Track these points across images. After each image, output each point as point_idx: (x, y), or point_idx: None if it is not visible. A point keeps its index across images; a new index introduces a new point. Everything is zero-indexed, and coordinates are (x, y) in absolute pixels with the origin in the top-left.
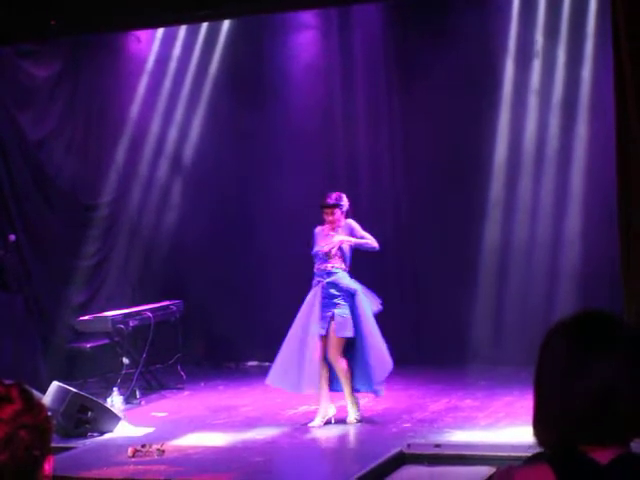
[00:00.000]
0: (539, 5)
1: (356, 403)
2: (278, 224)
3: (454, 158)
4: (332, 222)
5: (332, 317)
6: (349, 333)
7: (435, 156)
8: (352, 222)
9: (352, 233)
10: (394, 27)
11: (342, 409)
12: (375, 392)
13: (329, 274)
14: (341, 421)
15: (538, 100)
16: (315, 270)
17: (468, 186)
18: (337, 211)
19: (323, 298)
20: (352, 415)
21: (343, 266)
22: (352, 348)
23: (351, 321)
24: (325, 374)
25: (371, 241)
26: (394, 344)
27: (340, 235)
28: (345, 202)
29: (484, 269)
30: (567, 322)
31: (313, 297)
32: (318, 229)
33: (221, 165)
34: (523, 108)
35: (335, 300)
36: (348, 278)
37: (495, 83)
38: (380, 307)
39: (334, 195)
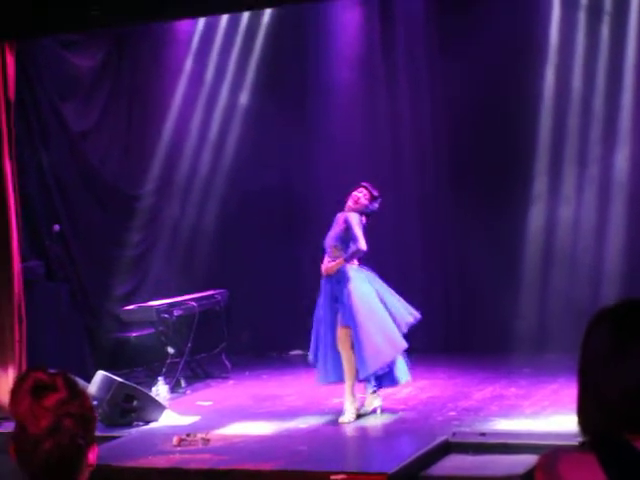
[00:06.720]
0: None
1: (354, 403)
2: (322, 214)
3: (499, 135)
4: (351, 205)
5: (338, 309)
6: (348, 321)
7: (481, 144)
8: (354, 217)
9: (347, 226)
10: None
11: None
12: (367, 380)
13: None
14: (387, 410)
15: (583, 63)
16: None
17: (512, 165)
18: (362, 199)
19: (326, 292)
20: (346, 415)
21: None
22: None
23: (350, 309)
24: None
25: (355, 246)
26: (439, 333)
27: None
28: (374, 204)
29: (529, 255)
30: (608, 310)
31: (321, 291)
32: (337, 216)
33: (264, 155)
34: (567, 77)
35: (336, 293)
36: (346, 268)
37: (538, 49)
38: (417, 315)
39: (377, 191)
